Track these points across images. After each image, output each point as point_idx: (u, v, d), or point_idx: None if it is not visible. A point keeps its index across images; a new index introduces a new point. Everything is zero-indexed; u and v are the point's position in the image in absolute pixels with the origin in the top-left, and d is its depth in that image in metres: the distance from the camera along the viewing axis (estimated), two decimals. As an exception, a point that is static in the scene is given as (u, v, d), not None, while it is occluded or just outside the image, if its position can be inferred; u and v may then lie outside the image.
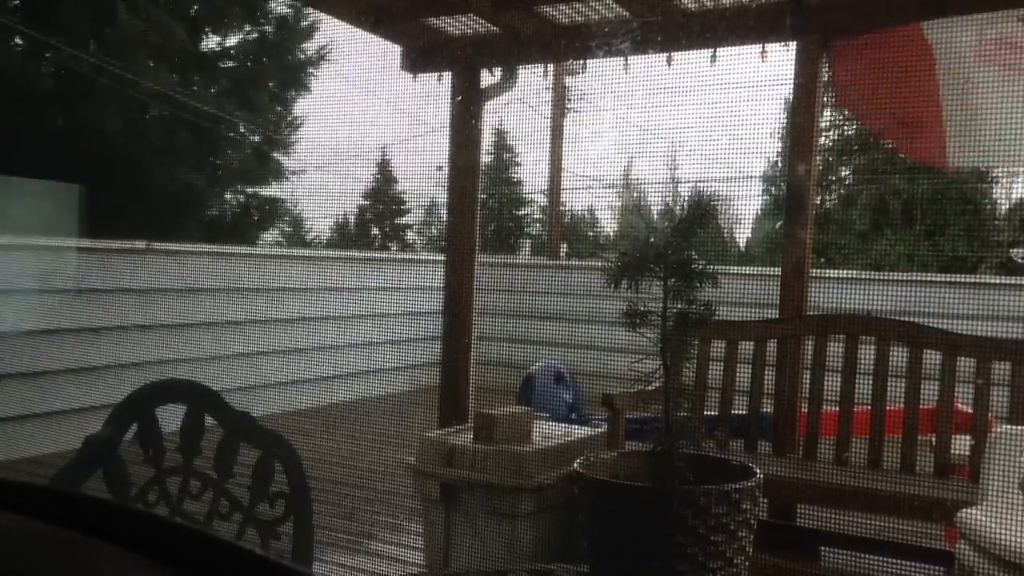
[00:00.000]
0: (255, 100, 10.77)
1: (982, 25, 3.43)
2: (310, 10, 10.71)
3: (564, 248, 10.99)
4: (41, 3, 8.56)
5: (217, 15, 10.75)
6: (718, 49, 3.79)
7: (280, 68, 11.09)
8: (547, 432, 3.63)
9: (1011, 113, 3.29)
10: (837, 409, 3.68)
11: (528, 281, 8.22)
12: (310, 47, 11.09)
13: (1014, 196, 10.42)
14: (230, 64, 11.06)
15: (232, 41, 11.03)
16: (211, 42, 10.99)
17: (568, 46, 4.22)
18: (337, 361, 7.17)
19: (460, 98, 4.34)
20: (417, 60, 4.41)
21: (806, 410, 3.82)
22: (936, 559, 3.36)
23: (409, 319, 7.46)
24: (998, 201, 10.68)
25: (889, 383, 3.63)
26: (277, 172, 11.37)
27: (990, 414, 3.49)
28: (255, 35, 11.03)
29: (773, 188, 9.44)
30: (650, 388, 2.93)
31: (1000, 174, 10.01)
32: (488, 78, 4.39)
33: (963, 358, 3.53)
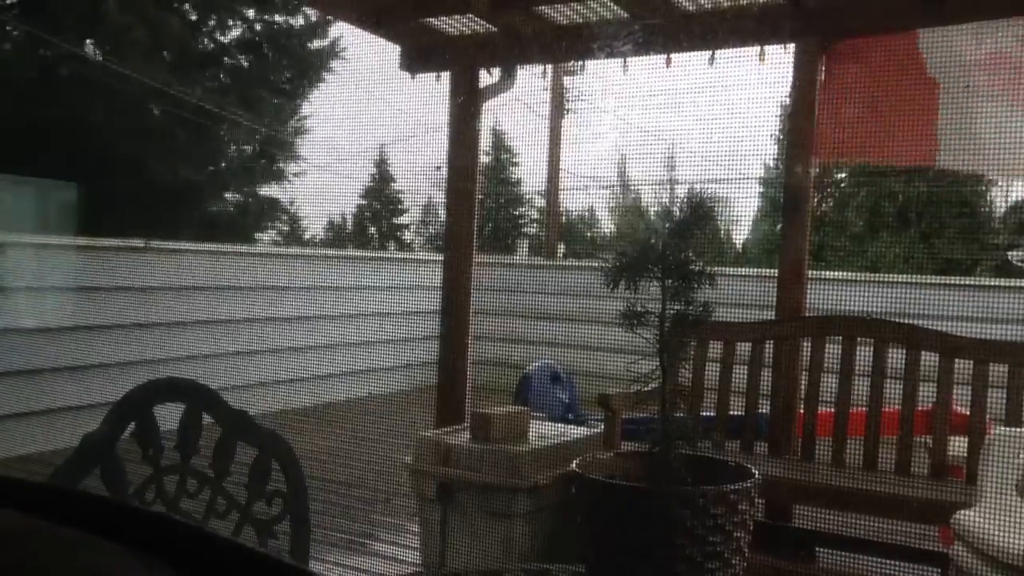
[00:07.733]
0: (255, 97, 10.75)
1: (980, 34, 3.44)
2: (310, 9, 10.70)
3: (561, 248, 11.00)
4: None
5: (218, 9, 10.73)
6: (717, 51, 3.80)
7: (280, 66, 11.08)
8: (543, 432, 3.63)
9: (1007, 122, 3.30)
10: (834, 410, 3.69)
11: (525, 281, 8.22)
12: (311, 45, 11.09)
13: (1011, 199, 10.45)
14: (231, 60, 11.04)
15: (235, 33, 11.01)
16: (213, 37, 10.96)
17: (567, 47, 4.22)
18: (335, 360, 7.17)
19: (459, 98, 4.34)
20: (416, 60, 4.41)
21: (803, 411, 3.82)
22: (931, 560, 3.36)
23: (407, 318, 7.46)
24: (995, 204, 10.70)
25: (886, 385, 3.63)
26: (277, 171, 11.36)
27: (987, 416, 3.50)
28: (256, 30, 11.01)
29: (771, 189, 9.45)
30: (647, 389, 2.94)
31: (996, 178, 10.03)
32: (487, 78, 4.39)
33: (960, 360, 3.54)
